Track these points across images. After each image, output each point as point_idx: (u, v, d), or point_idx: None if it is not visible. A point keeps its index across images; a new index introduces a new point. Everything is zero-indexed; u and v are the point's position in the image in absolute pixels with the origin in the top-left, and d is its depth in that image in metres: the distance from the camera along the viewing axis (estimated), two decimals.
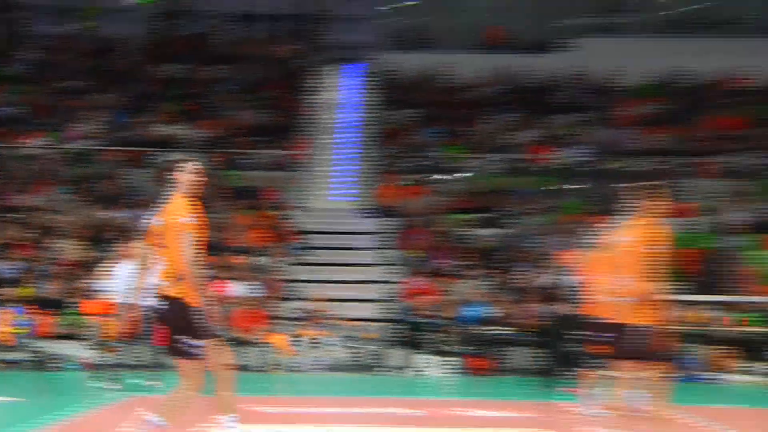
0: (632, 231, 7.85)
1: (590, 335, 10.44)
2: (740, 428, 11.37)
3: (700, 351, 18.70)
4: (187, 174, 7.27)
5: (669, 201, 8.18)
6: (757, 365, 18.64)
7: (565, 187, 24.12)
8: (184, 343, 6.98)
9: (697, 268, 20.95)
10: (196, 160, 7.42)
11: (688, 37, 28.67)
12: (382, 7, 30.30)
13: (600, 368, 10.77)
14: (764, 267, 21.03)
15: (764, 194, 23.53)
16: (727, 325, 19.21)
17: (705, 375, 18.29)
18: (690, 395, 15.14)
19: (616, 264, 7.95)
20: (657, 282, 7.75)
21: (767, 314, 19.12)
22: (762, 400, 16.09)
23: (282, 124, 25.42)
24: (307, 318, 18.68)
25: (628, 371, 7.84)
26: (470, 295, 19.38)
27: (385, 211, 22.85)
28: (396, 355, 18.45)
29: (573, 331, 11.59)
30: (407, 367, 18.25)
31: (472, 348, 18.31)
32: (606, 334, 8.77)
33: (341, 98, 27.96)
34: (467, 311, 18.80)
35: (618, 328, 7.91)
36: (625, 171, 23.52)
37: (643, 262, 7.65)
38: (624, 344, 7.81)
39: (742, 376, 18.43)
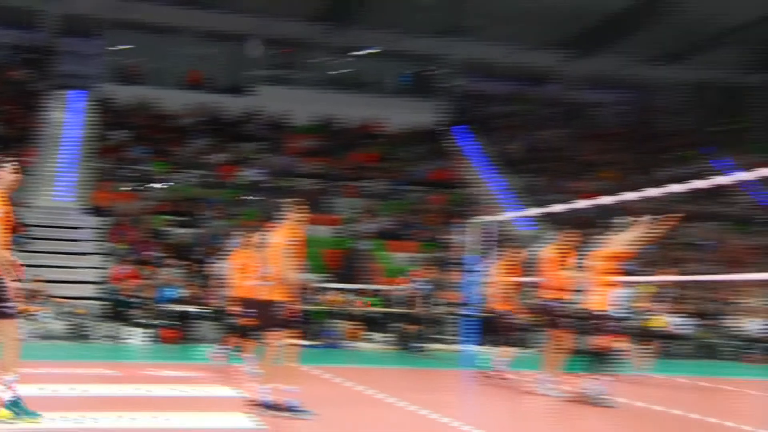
0: (280, 232, 8.05)
1: (243, 311, 10.98)
2: (361, 382, 11.94)
3: (339, 325, 19.45)
4: (7, 172, 6.98)
5: (308, 212, 8.56)
6: (377, 335, 19.60)
7: (245, 198, 24.31)
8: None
9: (339, 264, 21.84)
10: (15, 161, 7.12)
11: (341, 91, 29.68)
12: (106, 48, 29.33)
13: (254, 337, 11.24)
14: (386, 264, 22.23)
15: (389, 211, 24.84)
16: (359, 305, 20.07)
17: (341, 343, 18.96)
18: (329, 358, 15.91)
19: (266, 256, 8.14)
20: (293, 270, 7.96)
21: (385, 298, 20.13)
22: (379, 361, 16.91)
23: (13, 135, 23.94)
24: (28, 296, 17.84)
25: (272, 338, 8.01)
26: (167, 280, 19.21)
27: (100, 211, 22.11)
28: (105, 327, 17.99)
29: (237, 308, 11.89)
30: (114, 336, 17.85)
31: (166, 321, 18.18)
32: (253, 310, 9.19)
33: (67, 118, 26.75)
34: (164, 292, 18.62)
35: (262, 304, 8.10)
36: (290, 189, 24.10)
37: (284, 256, 7.87)
38: (267, 317, 8.00)
39: (367, 344, 19.35)
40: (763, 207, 28.07)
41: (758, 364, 19.81)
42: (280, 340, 7.83)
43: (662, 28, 28.29)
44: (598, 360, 9.80)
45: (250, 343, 11.49)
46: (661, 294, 17.78)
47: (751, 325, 21.22)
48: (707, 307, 22.05)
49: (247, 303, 11.23)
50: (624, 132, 31.93)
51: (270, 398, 7.77)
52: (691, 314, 20.76)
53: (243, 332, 11.69)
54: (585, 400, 9.81)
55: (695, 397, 13.19)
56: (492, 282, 13.46)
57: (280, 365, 7.86)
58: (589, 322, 10.05)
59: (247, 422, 7.55)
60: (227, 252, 12.93)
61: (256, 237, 12.10)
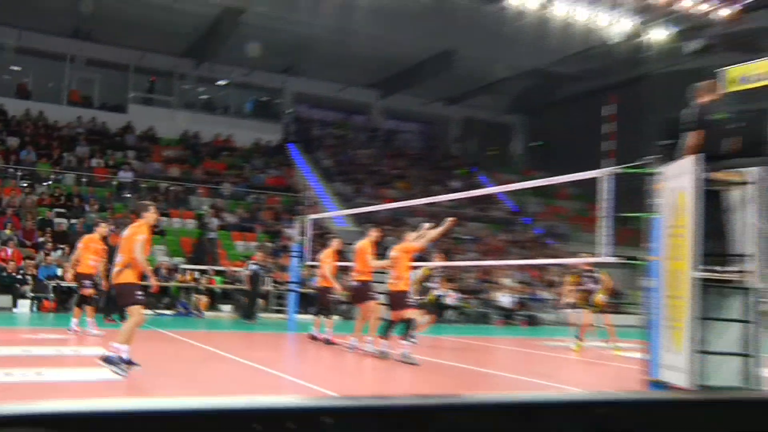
0: (133, 227, 7.80)
1: (84, 284, 11.38)
2: (209, 343, 11.91)
3: (192, 298, 19.12)
4: None
5: (157, 210, 8.33)
6: (222, 306, 19.45)
7: (118, 195, 23.35)
8: None
9: (193, 249, 21.34)
10: None
11: (199, 112, 29.08)
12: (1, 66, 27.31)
13: (94, 304, 11.28)
14: (231, 250, 21.93)
15: (234, 209, 24.45)
16: (208, 283, 19.71)
17: (194, 312, 18.69)
18: (183, 324, 15.58)
19: (121, 245, 7.81)
20: (141, 256, 7.62)
21: (229, 277, 19.84)
22: (223, 327, 16.83)
23: None
24: None
25: (130, 312, 7.58)
26: (47, 260, 18.19)
27: None
28: None
29: (80, 282, 11.80)
30: (2, 307, 16.75)
31: (45, 294, 17.22)
32: (91, 283, 9.15)
33: None
34: (44, 271, 17.64)
35: (118, 286, 7.73)
36: (159, 189, 23.39)
37: (136, 247, 7.57)
38: (123, 296, 7.69)
39: (213, 313, 19.12)
40: (514, 212, 29.86)
41: (505, 326, 21.15)
42: (136, 312, 7.58)
43: (447, 77, 29.50)
44: (402, 327, 10.01)
45: (93, 310, 11.62)
46: (438, 276, 18.59)
47: (503, 299, 22.58)
48: (474, 285, 23.24)
49: (87, 277, 11.29)
50: (417, 153, 33.04)
51: (124, 356, 7.41)
52: (461, 291, 21.84)
53: (86, 301, 11.58)
54: (393, 359, 9.88)
55: (466, 352, 13.87)
56: (318, 265, 13.66)
57: (133, 330, 7.54)
58: (394, 298, 10.17)
59: (109, 375, 7.27)
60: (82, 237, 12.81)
61: (106, 227, 12.25)
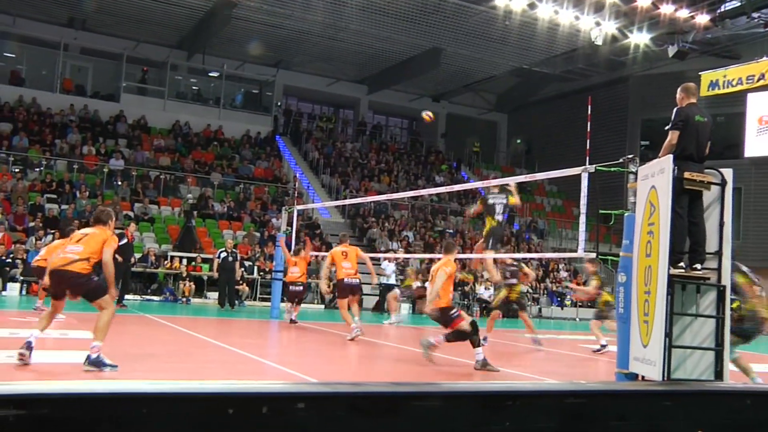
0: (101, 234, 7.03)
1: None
2: (193, 329, 11.78)
3: (178, 284, 19.00)
4: None
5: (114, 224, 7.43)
6: (210, 294, 19.33)
7: (110, 182, 23.14)
8: None
9: (180, 237, 21.09)
10: None
11: (189, 103, 28.81)
12: None
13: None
14: (217, 239, 21.68)
15: (221, 198, 24.28)
16: (189, 270, 19.46)
17: (180, 298, 18.59)
18: (169, 310, 15.47)
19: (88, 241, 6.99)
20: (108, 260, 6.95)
21: (212, 263, 19.65)
22: (207, 313, 16.44)
23: None
24: None
25: (98, 304, 6.83)
26: (37, 245, 18.00)
27: None
28: None
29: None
30: None
31: (34, 278, 17.06)
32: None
33: None
34: (34, 255, 17.41)
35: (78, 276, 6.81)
36: (145, 177, 23.13)
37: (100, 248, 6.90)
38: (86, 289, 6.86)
39: (198, 299, 19.03)
40: None
41: (484, 318, 21.14)
42: (105, 304, 6.83)
43: (434, 74, 29.45)
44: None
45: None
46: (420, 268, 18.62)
47: (483, 291, 22.63)
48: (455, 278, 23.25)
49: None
50: (402, 148, 32.98)
51: (96, 354, 6.62)
52: None
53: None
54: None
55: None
56: (299, 257, 13.78)
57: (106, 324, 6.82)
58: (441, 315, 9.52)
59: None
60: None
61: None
